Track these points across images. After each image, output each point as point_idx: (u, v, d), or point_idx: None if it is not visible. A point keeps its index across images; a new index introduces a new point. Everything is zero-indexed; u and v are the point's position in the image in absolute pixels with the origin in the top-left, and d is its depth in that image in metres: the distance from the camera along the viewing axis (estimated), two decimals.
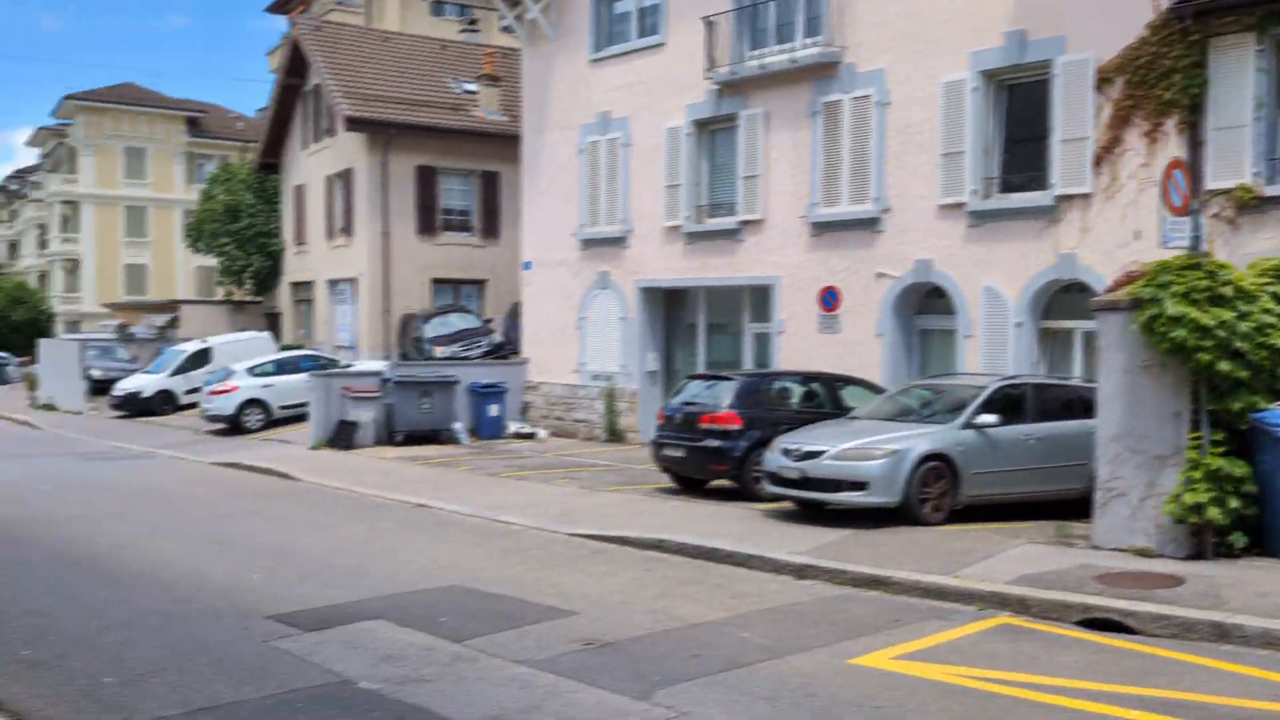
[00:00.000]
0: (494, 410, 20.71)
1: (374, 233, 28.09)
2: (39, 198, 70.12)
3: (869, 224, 15.83)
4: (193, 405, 27.95)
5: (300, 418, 23.68)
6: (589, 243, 20.42)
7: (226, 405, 23.77)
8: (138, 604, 8.16)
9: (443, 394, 20.15)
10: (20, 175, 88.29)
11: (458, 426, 20.16)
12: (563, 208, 20.92)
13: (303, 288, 33.22)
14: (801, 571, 9.24)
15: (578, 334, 20.68)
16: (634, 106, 19.42)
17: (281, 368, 24.95)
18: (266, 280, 36.11)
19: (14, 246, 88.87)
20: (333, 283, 30.71)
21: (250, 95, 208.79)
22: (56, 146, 63.81)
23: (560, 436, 20.66)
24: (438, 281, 29.17)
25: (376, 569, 9.51)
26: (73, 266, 61.05)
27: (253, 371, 24.48)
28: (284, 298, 34.68)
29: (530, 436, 20.65)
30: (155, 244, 60.26)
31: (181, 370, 29.25)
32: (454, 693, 6.01)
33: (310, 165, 31.83)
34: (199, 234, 37.09)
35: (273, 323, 35.39)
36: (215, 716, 5.62)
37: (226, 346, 29.27)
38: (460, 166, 29.25)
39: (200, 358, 29.26)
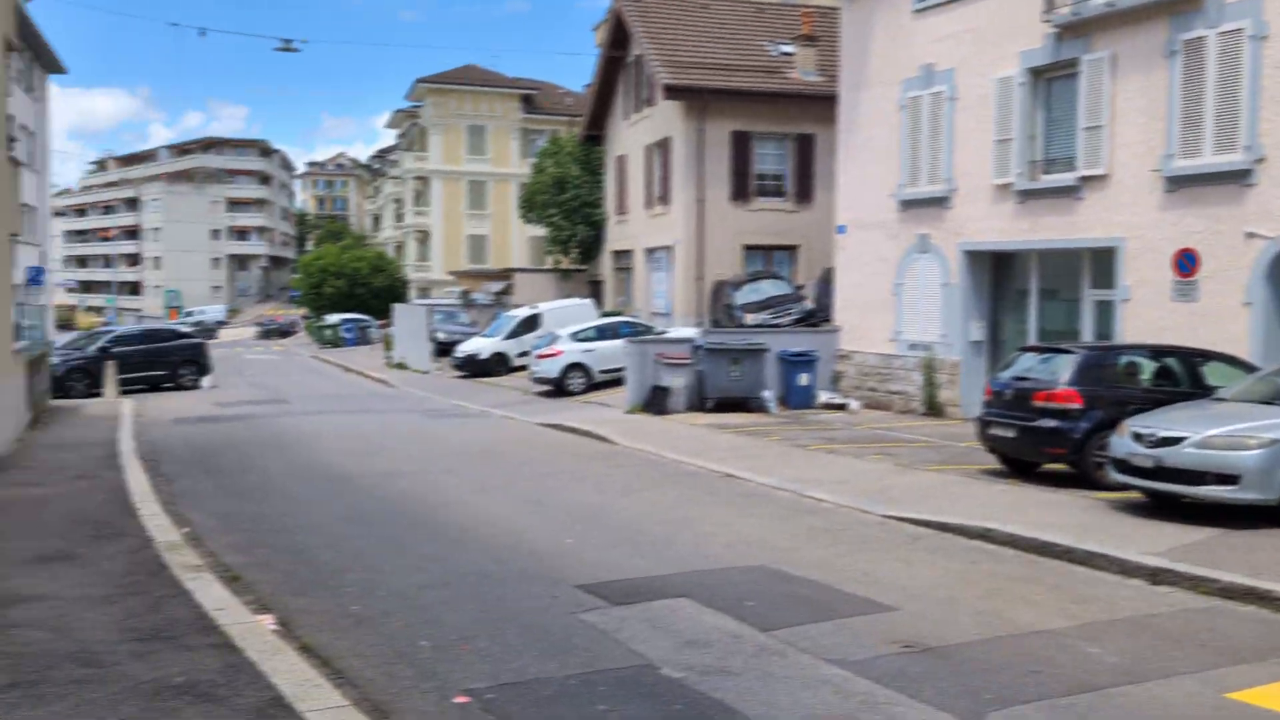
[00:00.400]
0: (804, 379, 20.25)
1: (689, 200, 28.29)
2: (396, 175, 77.42)
3: (1238, 177, 13.75)
4: (523, 368, 29.60)
5: (618, 382, 24.37)
6: (908, 204, 19.34)
7: (552, 368, 24.94)
8: (458, 562, 8.47)
9: (752, 361, 19.94)
10: (382, 155, 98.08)
11: (767, 395, 19.89)
12: (880, 168, 19.95)
13: (623, 256, 34.21)
14: (1157, 576, 8.07)
15: (894, 300, 19.71)
16: (960, 57, 18.07)
17: (602, 333, 25.80)
18: (591, 249, 37.53)
19: (376, 220, 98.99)
20: (650, 250, 31.34)
21: (578, 72, 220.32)
22: (410, 127, 69.90)
23: (872, 409, 19.85)
24: (749, 248, 28.98)
25: (683, 540, 9.37)
26: (423, 237, 66.81)
27: (576, 337, 25.50)
28: (606, 266, 35.91)
29: (841, 407, 20.00)
30: (493, 216, 64.60)
31: (514, 335, 31.11)
32: (760, 691, 5.64)
33: (631, 135, 32.59)
34: (530, 205, 39.14)
35: (596, 290, 36.78)
36: (519, 693, 5.59)
37: (553, 312, 30.76)
38: (775, 130, 28.81)
39: (530, 323, 30.96)
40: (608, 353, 25.09)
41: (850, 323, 20.97)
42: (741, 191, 28.75)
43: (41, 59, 46.24)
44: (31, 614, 6.32)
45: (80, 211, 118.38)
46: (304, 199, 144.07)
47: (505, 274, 46.03)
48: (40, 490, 11.15)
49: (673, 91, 27.76)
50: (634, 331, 25.08)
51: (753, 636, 6.59)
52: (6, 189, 15.86)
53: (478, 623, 6.83)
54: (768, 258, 29.27)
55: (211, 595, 6.75)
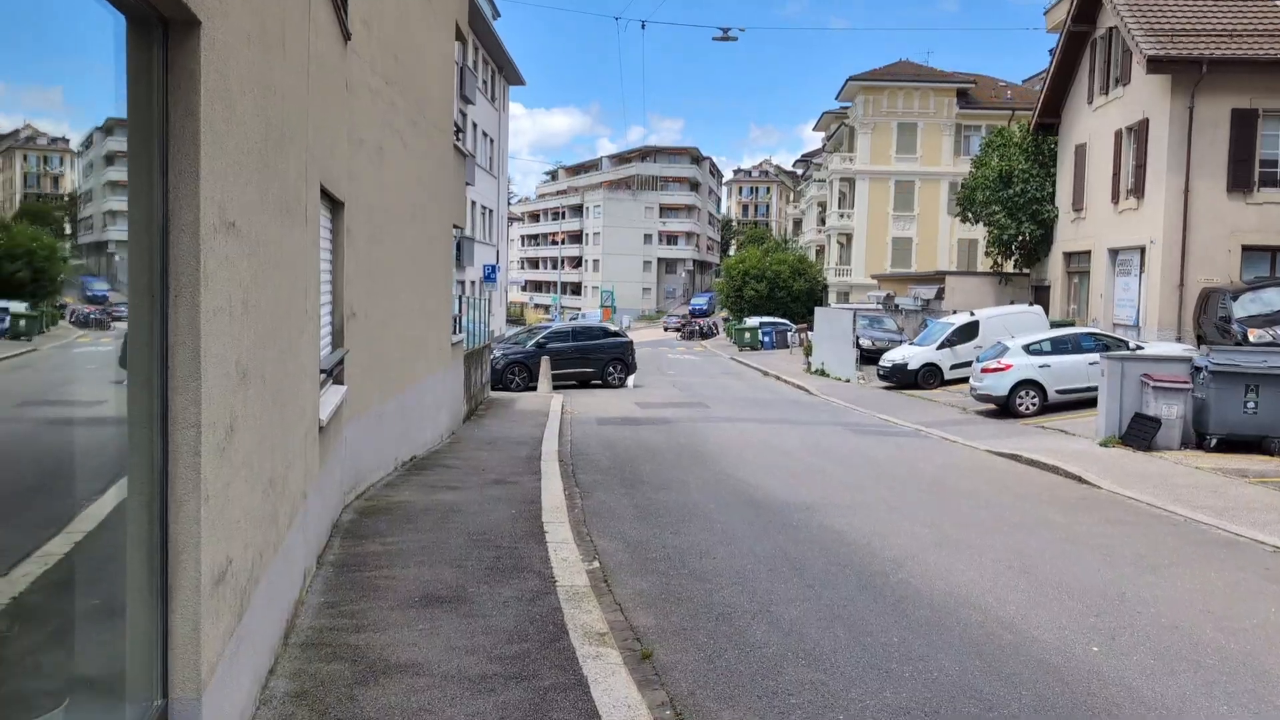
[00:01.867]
0: None
1: (1171, 192, 23.87)
2: (820, 178, 76.26)
3: None
4: (958, 381, 26.64)
5: (1078, 404, 20.85)
6: None
7: (999, 385, 21.75)
8: (940, 670, 6.10)
9: (1271, 389, 15.65)
10: (806, 158, 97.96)
11: None
12: None
13: (1077, 258, 30.00)
14: None
15: None
16: None
17: (1058, 346, 22.19)
18: (1035, 250, 33.53)
19: (797, 224, 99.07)
20: (1114, 252, 27.03)
21: (1017, 64, 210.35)
22: (838, 128, 68.28)
23: None
24: (1249, 249, 24.08)
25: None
26: (846, 240, 64.84)
27: (1028, 350, 22.11)
28: (1054, 269, 31.76)
29: None
30: (920, 217, 61.18)
31: (948, 344, 28.13)
32: None
33: (1095, 121, 28.40)
34: (969, 202, 35.85)
35: (1039, 296, 32.75)
36: None
37: (995, 320, 27.45)
38: None
39: (968, 331, 27.86)
40: (1067, 369, 21.54)
41: None
42: (1241, 181, 23.85)
43: (504, 71, 50.11)
44: (386, 700, 4.92)
45: (534, 217, 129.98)
46: (729, 206, 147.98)
47: (936, 277, 42.82)
48: (454, 496, 10.40)
49: (1157, 64, 23.53)
50: (1100, 346, 21.24)
51: None
52: (452, 179, 15.90)
53: None
54: (1274, 261, 24.09)
55: (613, 693, 5.00)
